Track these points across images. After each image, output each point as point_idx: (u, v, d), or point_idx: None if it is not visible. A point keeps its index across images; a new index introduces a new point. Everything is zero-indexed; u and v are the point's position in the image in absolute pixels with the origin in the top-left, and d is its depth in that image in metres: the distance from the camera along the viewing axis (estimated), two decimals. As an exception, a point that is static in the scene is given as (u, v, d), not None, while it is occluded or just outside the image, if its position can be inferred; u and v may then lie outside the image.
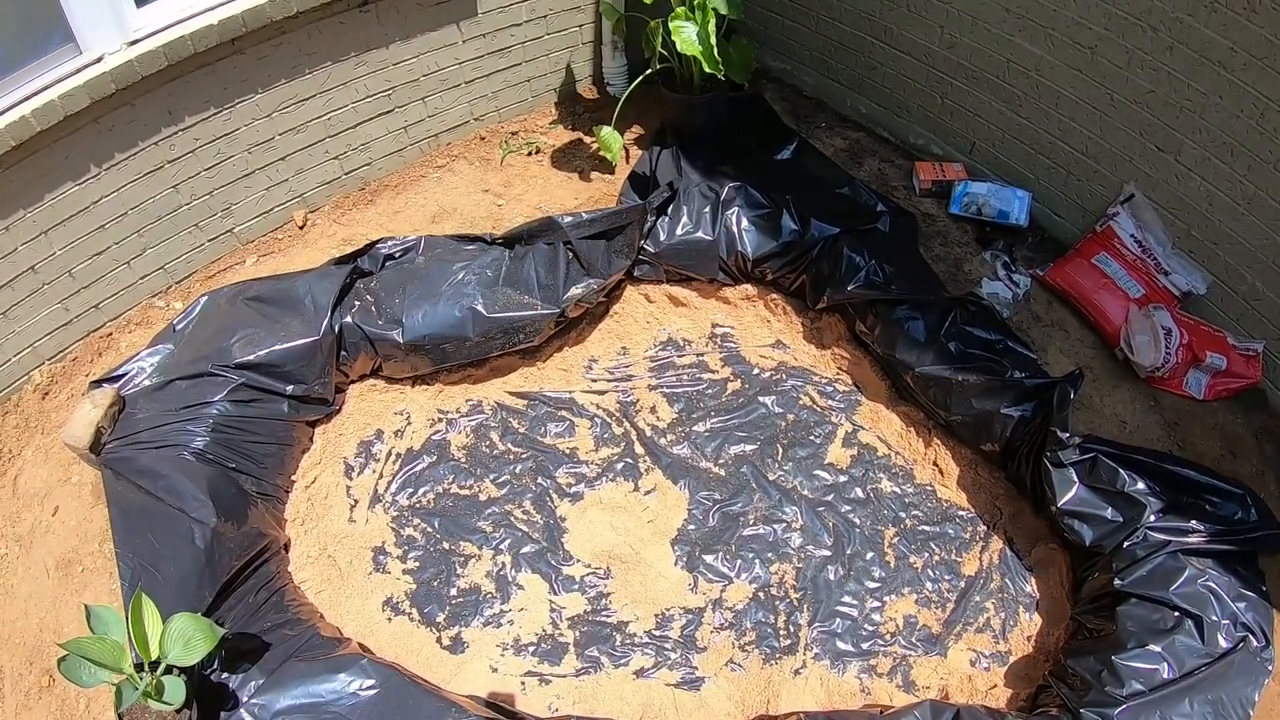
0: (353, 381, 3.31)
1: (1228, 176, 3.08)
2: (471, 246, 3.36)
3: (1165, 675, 2.43)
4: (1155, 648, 2.47)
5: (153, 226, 3.37)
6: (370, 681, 2.36)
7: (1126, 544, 2.71)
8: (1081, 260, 3.52)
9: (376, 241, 3.32)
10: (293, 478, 3.07)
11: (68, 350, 3.35)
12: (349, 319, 3.15)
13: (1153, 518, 2.72)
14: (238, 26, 3.14)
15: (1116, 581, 2.64)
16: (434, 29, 3.76)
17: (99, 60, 2.95)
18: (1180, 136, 3.16)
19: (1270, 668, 2.50)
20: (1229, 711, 2.39)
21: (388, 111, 3.84)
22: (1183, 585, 2.58)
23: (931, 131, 4.10)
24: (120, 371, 2.96)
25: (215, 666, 2.35)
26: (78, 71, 2.91)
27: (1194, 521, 2.71)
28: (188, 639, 2.20)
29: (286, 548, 2.90)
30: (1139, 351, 3.24)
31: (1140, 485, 2.79)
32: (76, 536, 2.84)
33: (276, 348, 3.00)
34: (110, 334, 3.41)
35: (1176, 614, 2.54)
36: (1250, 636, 2.51)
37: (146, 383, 2.94)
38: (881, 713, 2.49)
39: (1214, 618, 2.52)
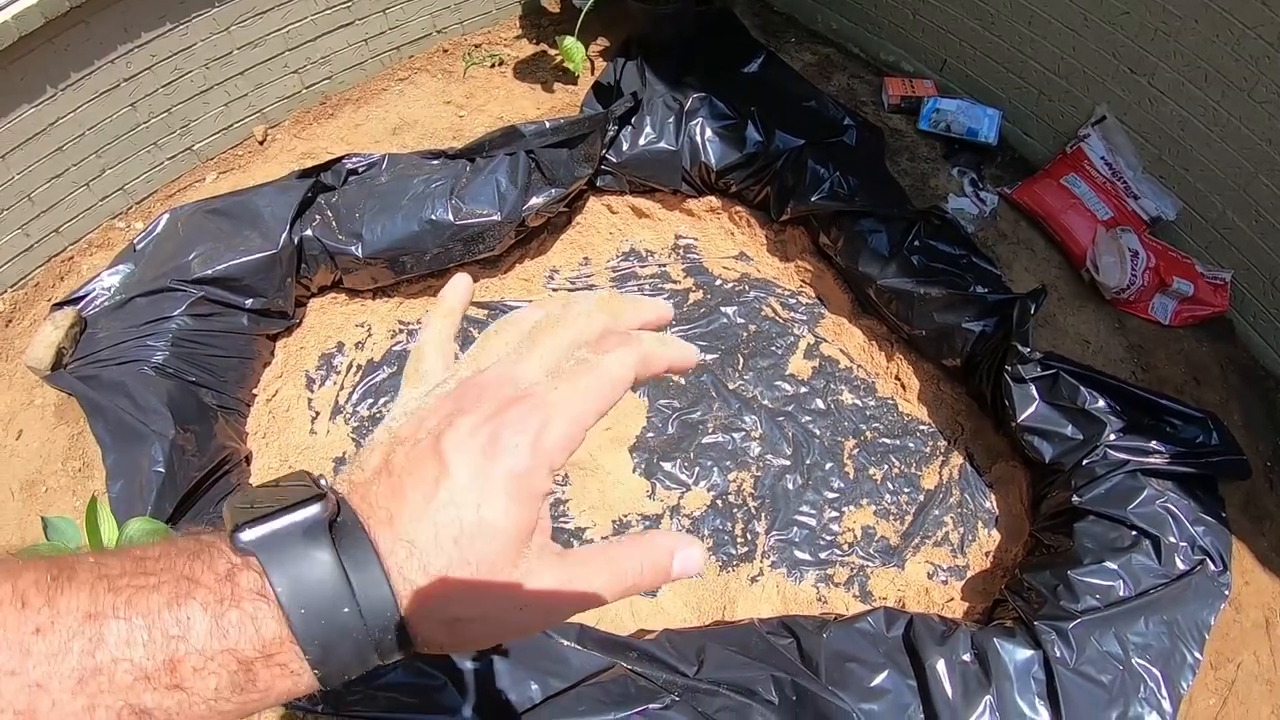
0: (314, 295, 3.30)
1: (1201, 102, 3.05)
2: (434, 163, 3.33)
3: (1121, 593, 2.46)
4: (1112, 565, 2.50)
5: (111, 147, 3.33)
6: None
7: (1086, 461, 2.73)
8: (1050, 180, 3.50)
9: (341, 157, 3.29)
10: (254, 391, 3.08)
11: (29, 276, 3.33)
12: (309, 232, 3.13)
13: (1113, 436, 2.74)
14: (191, -63, 3.08)
15: (1075, 499, 2.66)
16: (394, -62, 3.70)
17: (53, -22, 2.89)
18: (1154, 59, 3.12)
19: (1227, 592, 2.53)
20: (1184, 633, 2.42)
21: (348, 24, 3.77)
22: (1141, 505, 2.60)
23: (902, 48, 4.05)
24: (81, 293, 2.96)
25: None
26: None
27: (1155, 443, 2.72)
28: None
29: (248, 460, 2.91)
30: (1105, 272, 3.23)
31: (1101, 403, 2.80)
32: (40, 458, 2.85)
33: (235, 261, 2.99)
34: (71, 257, 3.39)
35: (1134, 533, 2.57)
36: (1208, 560, 2.54)
37: (107, 302, 2.94)
38: (835, 619, 2.52)
39: (1172, 539, 2.55)
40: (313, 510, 0.47)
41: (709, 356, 3.28)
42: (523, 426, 0.49)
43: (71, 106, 3.14)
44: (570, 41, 3.73)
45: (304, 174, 3.21)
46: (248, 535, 0.46)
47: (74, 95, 3.13)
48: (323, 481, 0.51)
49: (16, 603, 0.42)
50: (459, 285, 0.66)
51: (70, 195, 3.30)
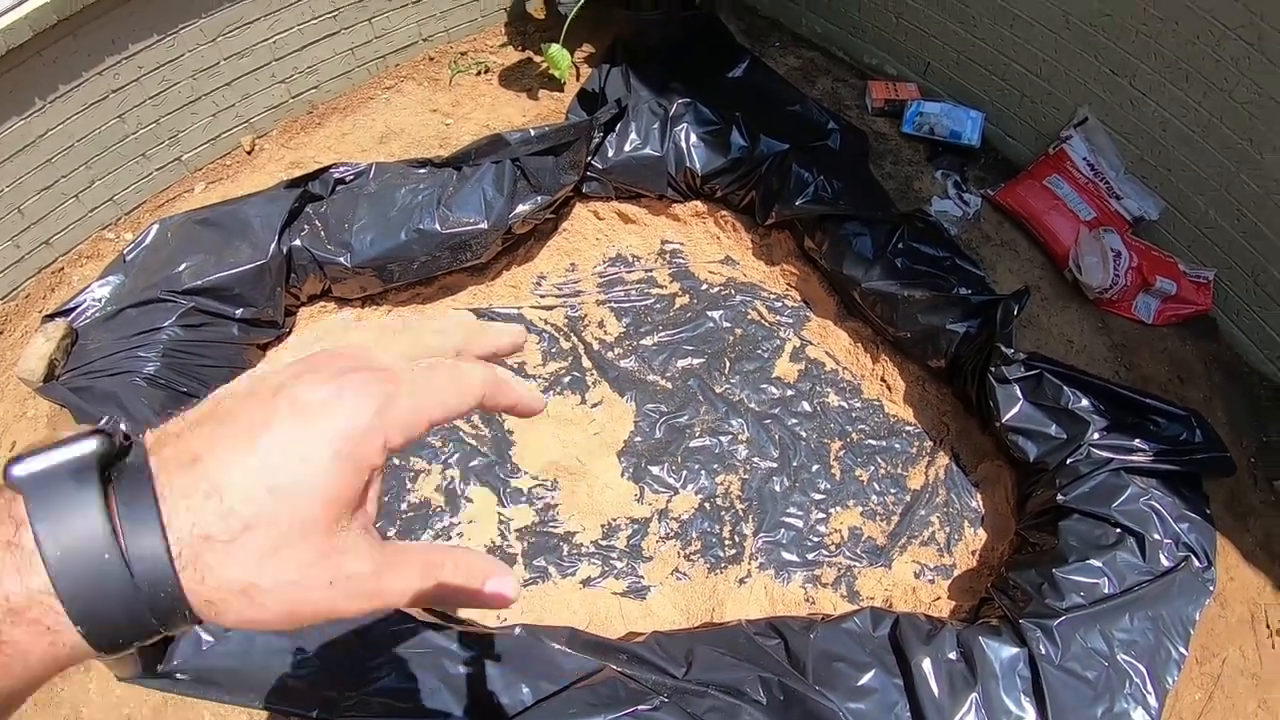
0: (303, 304, 3.32)
1: (1182, 103, 3.07)
2: (422, 170, 3.34)
3: (1106, 590, 2.47)
4: (1096, 562, 2.51)
5: (100, 158, 3.35)
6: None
7: (1070, 460, 2.73)
8: (1033, 181, 3.52)
9: (329, 166, 3.30)
10: (244, 400, 3.09)
11: (20, 288, 3.34)
12: (298, 242, 3.15)
13: (1096, 435, 2.75)
14: (179, -50, 3.10)
15: (1059, 497, 2.67)
16: (381, -52, 3.73)
17: (40, -9, 2.91)
18: (1135, 61, 3.15)
19: (1211, 588, 2.53)
20: (1169, 629, 2.42)
21: (334, 33, 3.79)
22: (1125, 503, 2.61)
23: (886, 51, 4.08)
24: (72, 304, 2.96)
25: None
26: (19, 4, 2.85)
27: (1139, 441, 2.73)
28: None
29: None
30: (1088, 272, 3.25)
31: (1084, 403, 2.81)
32: (33, 470, 2.86)
33: (225, 271, 3.00)
34: (62, 269, 3.40)
35: (1118, 530, 2.58)
36: (1192, 557, 2.55)
37: (98, 313, 2.94)
38: (822, 620, 2.53)
39: (1156, 536, 2.56)
40: (86, 446, 0.43)
41: (695, 361, 3.30)
42: (369, 390, 0.47)
43: (60, 118, 3.16)
44: (555, 49, 3.75)
45: (292, 183, 3.22)
46: (18, 470, 0.43)
47: (63, 107, 3.14)
48: (123, 425, 0.48)
49: None
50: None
51: (60, 207, 3.31)
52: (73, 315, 2.94)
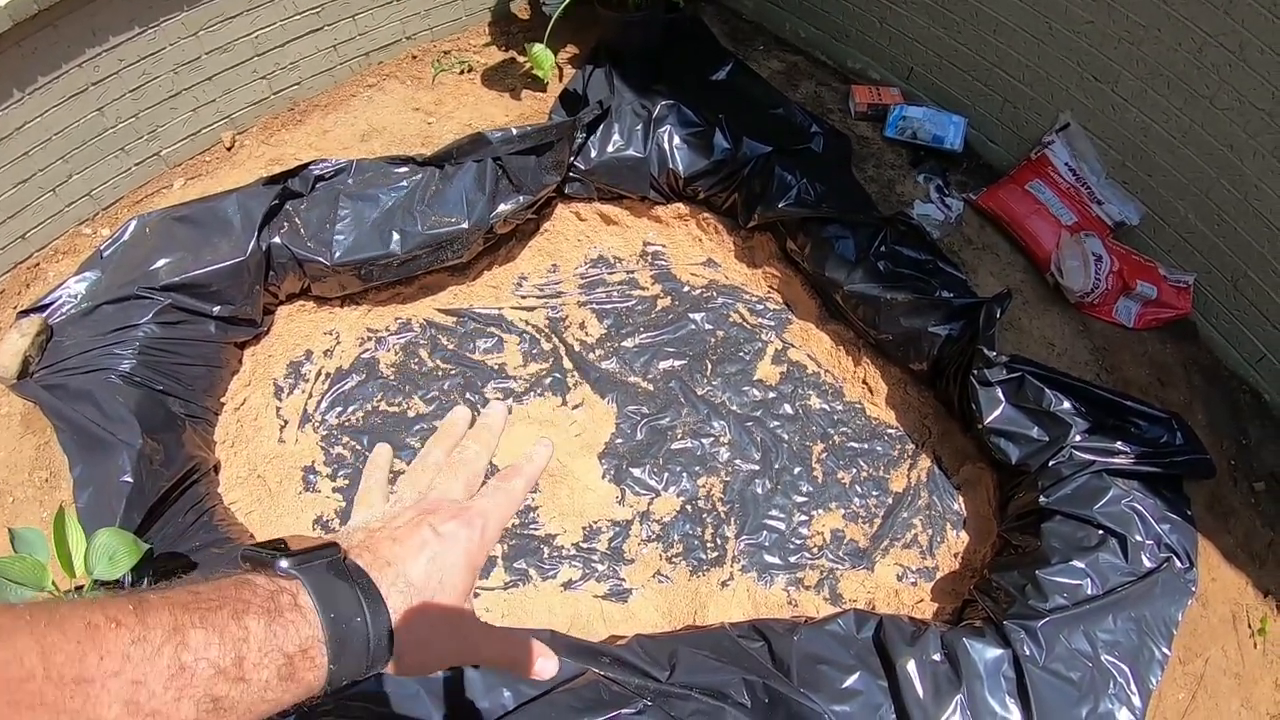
0: (282, 302, 3.29)
1: (1164, 109, 3.09)
2: (403, 168, 3.32)
3: (1089, 591, 2.48)
4: (1079, 563, 2.52)
5: (78, 152, 3.30)
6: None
7: (1052, 463, 2.75)
8: (1015, 186, 3.53)
9: (309, 163, 3.27)
10: (222, 399, 3.07)
11: (-6, 283, 3.30)
12: (277, 239, 3.12)
13: (1078, 437, 2.76)
14: (161, -59, 3.06)
15: (1041, 499, 2.68)
16: (365, -56, 3.70)
17: (21, -19, 2.86)
18: (1118, 68, 3.16)
19: (1194, 589, 2.56)
20: (1152, 629, 2.44)
21: (317, 29, 3.76)
22: (1107, 504, 2.62)
23: (870, 56, 4.08)
24: (47, 300, 2.93)
25: (145, 586, 2.35)
26: (-2, -7, 2.83)
27: (1120, 443, 2.75)
28: (112, 554, 2.19)
29: (216, 469, 2.90)
30: (1069, 276, 3.26)
31: (1066, 405, 2.82)
32: (6, 467, 2.81)
33: (203, 268, 2.97)
34: (38, 264, 3.36)
35: (1100, 532, 2.59)
36: (1174, 558, 2.56)
37: (74, 310, 2.91)
38: (806, 622, 2.53)
39: (1138, 538, 2.57)
40: (332, 551, 0.68)
41: (677, 363, 3.29)
42: (474, 523, 0.76)
43: (39, 111, 3.12)
44: (539, 49, 3.74)
45: (271, 180, 3.19)
46: (286, 564, 0.65)
47: (41, 99, 3.10)
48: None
49: (111, 624, 0.54)
50: (386, 454, 0.91)
51: (36, 201, 3.27)
52: (48, 311, 2.91)
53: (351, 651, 0.64)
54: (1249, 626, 2.67)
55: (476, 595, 2.69)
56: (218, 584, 0.62)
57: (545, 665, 0.82)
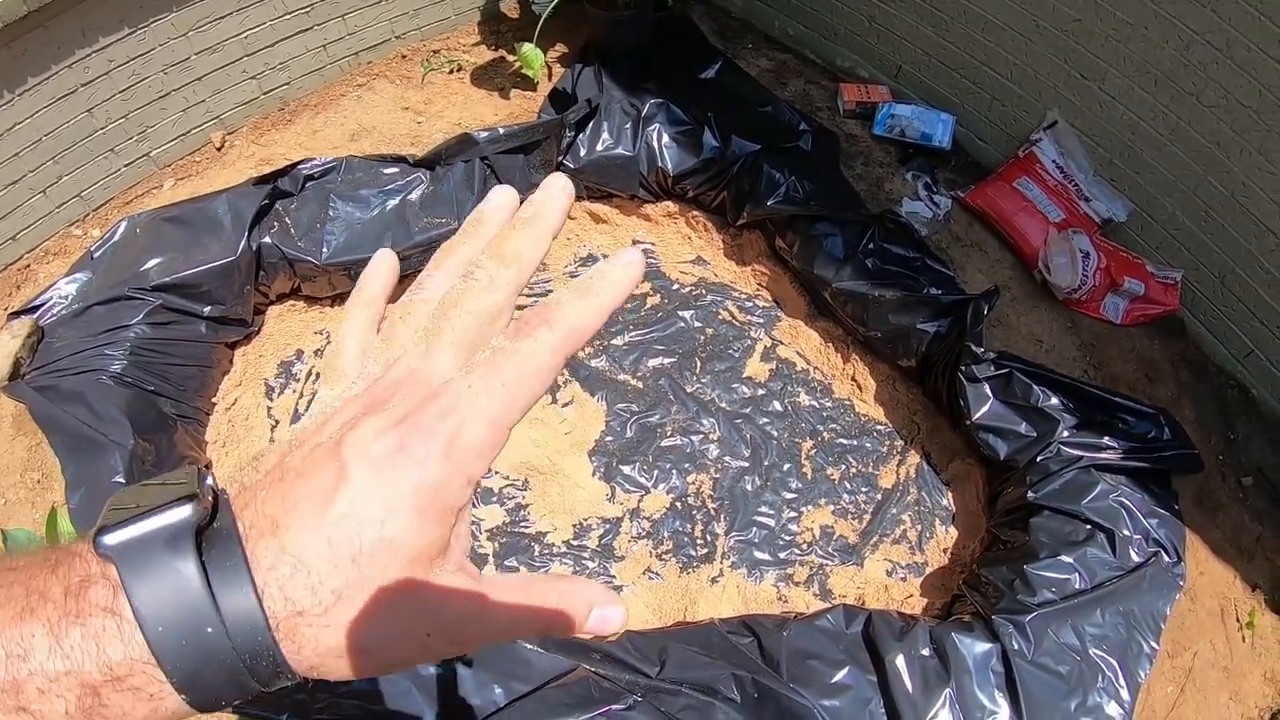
0: (272, 302, 3.29)
1: (1151, 106, 3.11)
2: (392, 169, 3.33)
3: (1077, 585, 2.50)
4: (1067, 558, 2.53)
5: (68, 153, 3.30)
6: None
7: (1040, 458, 2.76)
8: (1003, 183, 3.55)
9: (298, 162, 3.27)
10: (213, 400, 3.06)
11: (-15, 285, 3.29)
12: (267, 239, 3.12)
13: (1066, 433, 2.78)
14: (151, -58, 3.06)
15: (1029, 494, 2.70)
16: (354, -56, 3.71)
17: (10, -20, 2.86)
18: (1105, 65, 3.18)
19: (1181, 583, 2.57)
20: (1140, 623, 2.45)
21: (306, 29, 3.77)
22: (1095, 499, 2.64)
23: (858, 54, 4.09)
24: (38, 301, 2.92)
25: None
26: (-13, -6, 2.83)
27: (1107, 438, 2.76)
28: (103, 553, 2.20)
29: (208, 469, 2.90)
30: (1057, 273, 3.28)
31: (1054, 401, 2.84)
32: (-1, 469, 2.82)
33: (193, 269, 2.97)
34: (28, 266, 3.35)
35: (1088, 527, 2.60)
36: (1162, 552, 2.58)
37: (64, 311, 2.90)
38: (795, 618, 2.54)
39: (1126, 532, 2.58)
40: (180, 514, 0.43)
41: (666, 360, 3.30)
42: (434, 430, 0.44)
43: (29, 112, 3.12)
44: (528, 48, 3.74)
45: (261, 180, 3.19)
46: (109, 540, 0.42)
47: (31, 100, 3.10)
48: (208, 479, 0.47)
49: None
50: (380, 267, 0.61)
51: (27, 202, 3.27)
52: (39, 313, 2.90)
53: (213, 676, 0.42)
54: (1237, 620, 2.69)
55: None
56: (38, 555, 0.44)
57: (608, 615, 0.52)
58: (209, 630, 0.41)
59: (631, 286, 0.51)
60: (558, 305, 0.49)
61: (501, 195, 0.58)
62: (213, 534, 0.43)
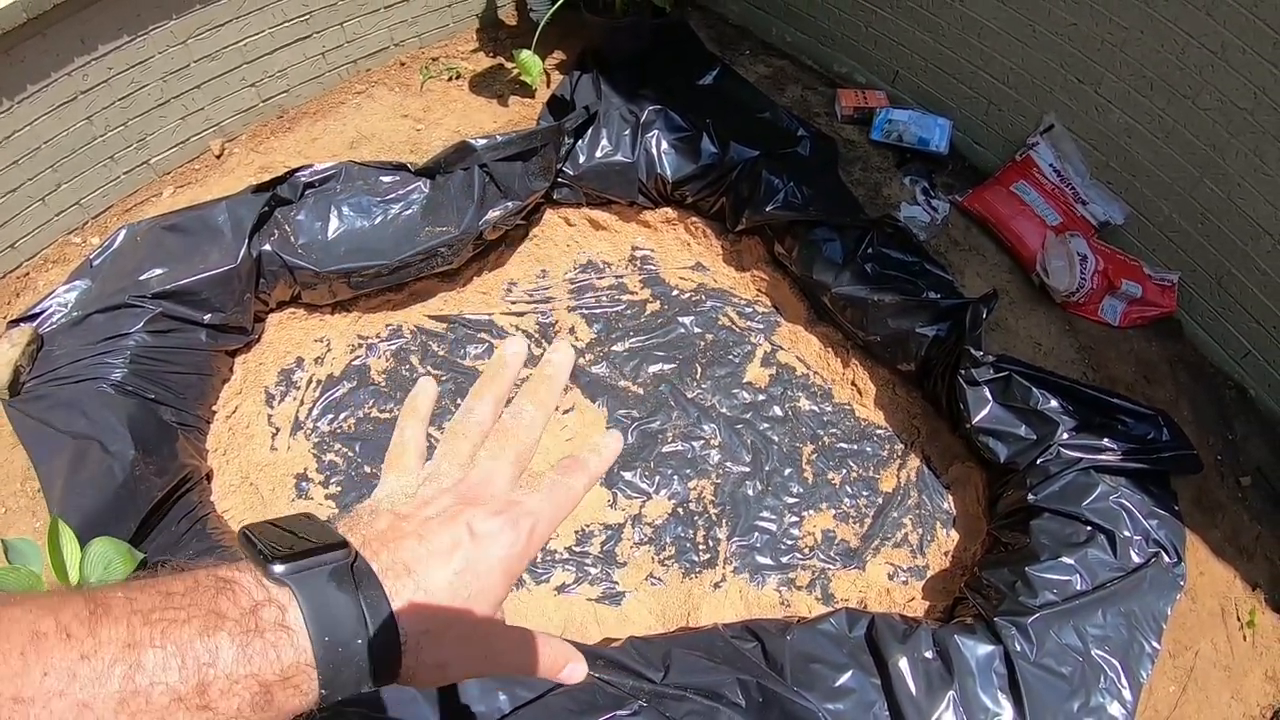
0: (272, 310, 3.29)
1: (1147, 110, 3.13)
2: (392, 176, 3.33)
3: (1078, 586, 2.51)
4: (1068, 560, 2.54)
5: (67, 160, 3.29)
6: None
7: (1039, 460, 2.77)
8: (1000, 188, 3.57)
9: (296, 169, 3.26)
10: (214, 408, 3.06)
11: (-17, 292, 3.29)
12: (267, 247, 3.12)
13: (1065, 435, 2.79)
14: (150, -50, 3.06)
15: (1030, 497, 2.71)
16: (352, -48, 3.71)
17: (9, -11, 2.86)
18: (1100, 69, 3.20)
19: (1182, 583, 2.59)
20: (1141, 623, 2.47)
21: (305, 37, 3.77)
22: (1095, 501, 2.65)
23: (855, 60, 4.11)
24: (37, 309, 2.91)
25: (123, 579, 2.35)
26: (-13, 1, 2.82)
27: (1107, 440, 2.78)
28: (107, 562, 2.19)
29: (209, 478, 2.89)
30: (1054, 276, 3.30)
31: (1053, 404, 2.85)
32: (-3, 478, 2.82)
33: (193, 276, 2.96)
34: (27, 274, 3.35)
35: (1089, 528, 2.61)
36: (1162, 553, 2.59)
37: (64, 319, 2.90)
38: (799, 622, 2.54)
39: (1126, 533, 2.60)
40: (338, 556, 0.58)
41: (667, 366, 3.31)
42: (520, 524, 0.65)
43: (27, 120, 3.11)
44: (527, 55, 3.75)
45: (260, 188, 3.18)
46: (280, 569, 0.55)
47: (30, 108, 3.10)
48: (335, 528, 0.63)
49: (61, 634, 0.47)
50: (428, 392, 0.81)
51: (26, 210, 3.26)
52: (39, 321, 2.90)
53: (347, 676, 0.56)
54: (1238, 619, 2.70)
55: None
56: (195, 585, 0.54)
57: (575, 670, 0.72)
58: (359, 643, 0.55)
59: (615, 457, 0.79)
60: (587, 461, 0.75)
61: (517, 344, 0.83)
62: (357, 571, 0.58)
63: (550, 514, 0.70)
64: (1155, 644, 2.46)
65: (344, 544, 0.59)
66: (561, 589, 2.77)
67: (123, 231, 3.06)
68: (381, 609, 0.57)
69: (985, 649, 2.38)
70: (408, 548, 0.62)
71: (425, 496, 0.67)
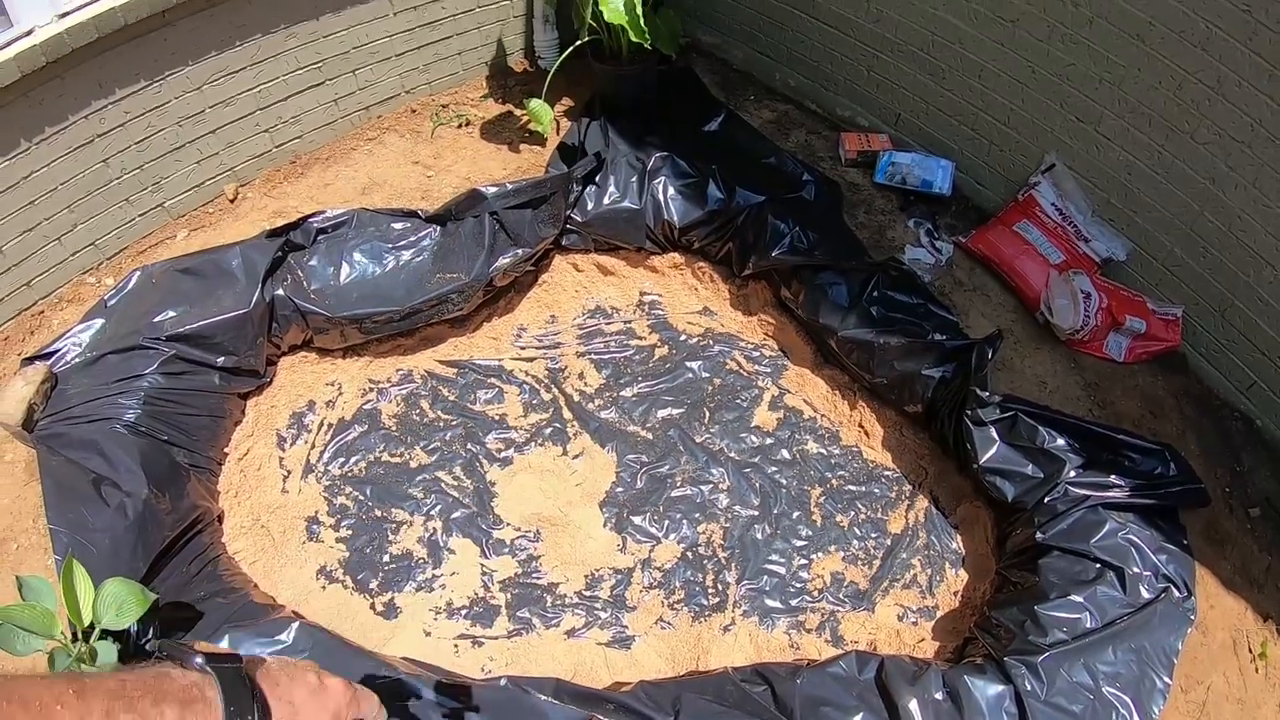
0: (284, 353, 3.32)
1: (1146, 146, 3.16)
2: (403, 223, 3.38)
3: (1088, 624, 2.50)
4: (1077, 598, 2.54)
5: (83, 202, 3.35)
6: (302, 643, 2.40)
7: (1047, 499, 2.77)
8: (1003, 227, 3.60)
9: (309, 215, 3.31)
10: (225, 449, 3.09)
11: (-1, 329, 3.32)
12: (280, 291, 3.16)
13: (1073, 473, 2.79)
14: (169, -2, 3.12)
15: (1038, 535, 2.70)
16: (364, 1, 3.76)
17: (29, 33, 2.91)
18: (1100, 108, 3.24)
19: (1193, 617, 2.57)
20: (1152, 659, 2.45)
21: (318, 84, 3.84)
22: (1104, 538, 2.65)
23: (858, 103, 4.16)
24: (52, 348, 2.95)
25: (150, 635, 2.36)
26: (8, 45, 2.88)
27: (1114, 477, 2.78)
28: (120, 604, 2.20)
29: (220, 519, 2.91)
30: (1059, 315, 3.32)
31: (1060, 442, 2.86)
32: (10, 514, 2.82)
33: (207, 320, 3.00)
34: (42, 312, 3.39)
35: (1098, 565, 2.61)
36: (1172, 588, 2.58)
37: (78, 359, 2.92)
38: (808, 665, 2.54)
39: (1135, 569, 2.59)
40: (239, 662, 0.89)
41: (675, 411, 3.33)
42: (350, 694, 0.99)
43: (45, 161, 3.17)
44: (537, 104, 3.81)
45: (273, 233, 3.23)
46: (200, 660, 0.86)
47: (48, 150, 3.15)
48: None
49: (56, 705, 0.72)
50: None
51: (41, 249, 3.31)
52: (53, 359, 2.93)
53: None
54: (1250, 651, 2.69)
55: (480, 644, 2.72)
56: (141, 674, 0.81)
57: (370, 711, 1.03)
58: (250, 718, 0.85)
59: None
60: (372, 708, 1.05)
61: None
62: (248, 673, 0.89)
63: (366, 706, 1.02)
64: (1167, 679, 2.45)
65: (239, 657, 0.90)
66: (571, 633, 2.77)
67: (137, 273, 3.10)
68: (265, 703, 0.88)
69: (995, 689, 2.37)
70: (282, 677, 0.93)
71: (304, 664, 0.99)
